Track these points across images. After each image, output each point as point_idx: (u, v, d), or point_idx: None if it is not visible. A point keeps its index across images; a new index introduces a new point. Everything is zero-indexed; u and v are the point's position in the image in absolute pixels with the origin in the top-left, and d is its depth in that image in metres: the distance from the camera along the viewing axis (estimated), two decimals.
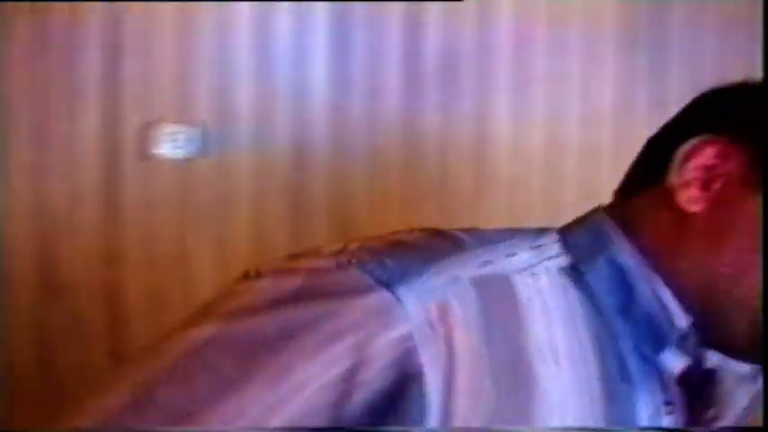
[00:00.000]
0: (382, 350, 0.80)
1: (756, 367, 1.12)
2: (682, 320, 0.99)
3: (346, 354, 0.79)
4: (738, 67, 1.75)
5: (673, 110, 1.08)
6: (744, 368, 1.08)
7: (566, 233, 1.02)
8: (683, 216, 1.00)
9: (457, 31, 1.69)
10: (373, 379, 0.79)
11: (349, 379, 0.79)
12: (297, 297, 0.83)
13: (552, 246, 1.01)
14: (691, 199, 0.99)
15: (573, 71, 1.73)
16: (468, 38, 1.70)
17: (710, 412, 1.08)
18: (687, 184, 0.99)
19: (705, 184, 0.99)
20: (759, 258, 0.94)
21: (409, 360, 0.81)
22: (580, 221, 1.04)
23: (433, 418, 0.82)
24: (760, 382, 1.13)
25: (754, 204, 0.96)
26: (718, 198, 0.98)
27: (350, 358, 0.79)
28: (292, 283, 0.84)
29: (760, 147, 0.95)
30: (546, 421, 0.89)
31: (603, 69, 1.74)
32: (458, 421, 0.82)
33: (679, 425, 1.03)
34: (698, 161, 0.99)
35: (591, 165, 1.73)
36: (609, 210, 1.04)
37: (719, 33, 1.81)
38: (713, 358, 1.07)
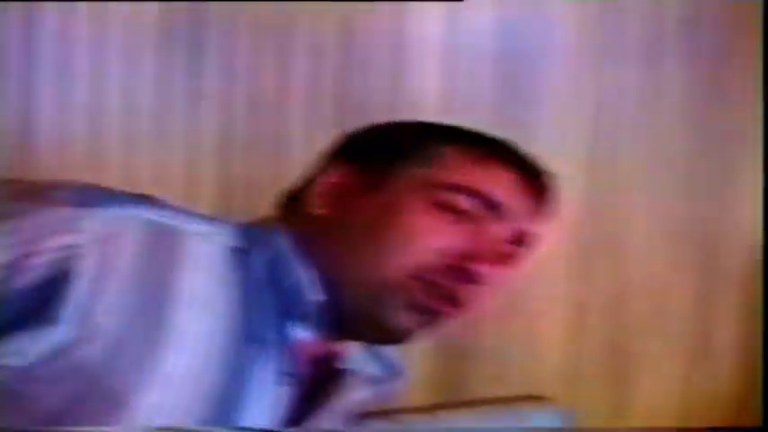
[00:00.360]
0: (52, 248, 1.02)
1: (389, 373, 1.39)
2: (314, 296, 1.20)
3: (22, 244, 1.02)
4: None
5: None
6: (375, 370, 1.33)
7: (243, 225, 1.24)
8: (315, 217, 1.26)
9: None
10: (36, 267, 1.01)
11: (16, 264, 1.01)
12: (23, 198, 1.07)
13: (227, 229, 1.21)
14: (318, 204, 1.27)
15: (113, 67, 1.81)
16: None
17: (324, 401, 1.28)
18: (318, 194, 1.28)
19: (329, 194, 1.28)
20: (373, 249, 1.20)
21: (69, 263, 1.02)
22: (258, 220, 1.29)
23: (69, 316, 1.02)
24: (385, 388, 1.36)
25: (366, 204, 1.23)
26: (336, 203, 1.26)
27: (24, 248, 1.02)
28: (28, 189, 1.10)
29: (365, 166, 1.26)
30: (168, 357, 1.07)
31: (143, 65, 1.83)
32: (90, 326, 1.02)
33: (290, 397, 1.23)
34: (326, 179, 1.28)
35: (131, 155, 1.82)
36: (279, 211, 1.32)
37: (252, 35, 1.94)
38: (350, 357, 1.31)
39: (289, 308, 1.19)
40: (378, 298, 1.19)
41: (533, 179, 1.27)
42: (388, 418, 2.00)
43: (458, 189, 1.20)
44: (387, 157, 1.25)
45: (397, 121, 1.36)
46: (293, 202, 1.32)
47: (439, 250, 1.18)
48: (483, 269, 1.18)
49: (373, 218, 1.21)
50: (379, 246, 1.19)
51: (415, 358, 2.13)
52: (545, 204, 1.29)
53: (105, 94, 1.78)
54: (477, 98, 2.17)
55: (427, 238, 1.19)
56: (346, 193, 1.25)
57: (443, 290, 1.19)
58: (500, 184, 1.23)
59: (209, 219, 1.21)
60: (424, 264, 1.18)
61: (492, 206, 1.22)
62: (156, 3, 1.80)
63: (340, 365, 1.33)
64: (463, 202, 1.20)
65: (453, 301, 1.20)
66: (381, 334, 1.24)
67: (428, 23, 2.10)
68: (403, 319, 1.20)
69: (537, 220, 1.27)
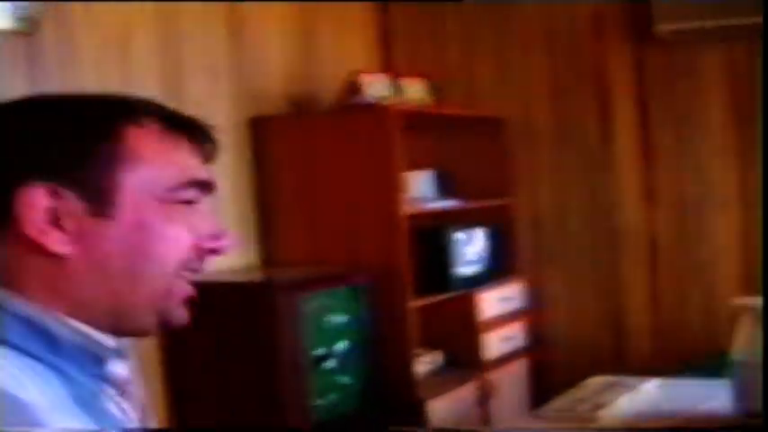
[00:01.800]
0: None
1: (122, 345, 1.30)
2: (109, 341, 1.20)
3: None
4: None
5: None
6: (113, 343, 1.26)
7: None
8: (58, 259, 1.15)
9: None
10: None
11: None
12: None
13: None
14: (57, 242, 1.14)
15: None
16: None
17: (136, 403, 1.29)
18: (45, 231, 1.14)
19: (59, 226, 1.14)
20: (133, 268, 1.18)
21: None
22: None
23: None
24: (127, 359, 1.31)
25: (108, 227, 1.17)
26: (77, 234, 1.16)
27: None
28: None
29: (77, 183, 1.15)
30: None
31: None
32: None
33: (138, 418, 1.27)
34: (38, 206, 1.13)
35: None
36: None
37: None
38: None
39: (91, 360, 1.18)
40: (160, 312, 1.23)
41: (204, 142, 1.29)
42: None
43: (185, 185, 1.22)
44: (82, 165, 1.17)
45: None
46: None
47: (191, 244, 1.23)
48: (225, 239, 1.26)
49: (129, 247, 1.18)
50: (145, 271, 1.19)
51: None
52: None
53: None
54: None
55: (181, 242, 1.22)
56: (77, 218, 1.16)
57: (198, 270, 1.26)
58: (197, 163, 1.26)
59: None
60: (185, 260, 1.23)
61: (205, 186, 1.27)
62: None
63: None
64: (189, 193, 1.24)
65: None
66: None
67: None
68: (182, 311, 1.25)
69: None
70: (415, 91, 5.04)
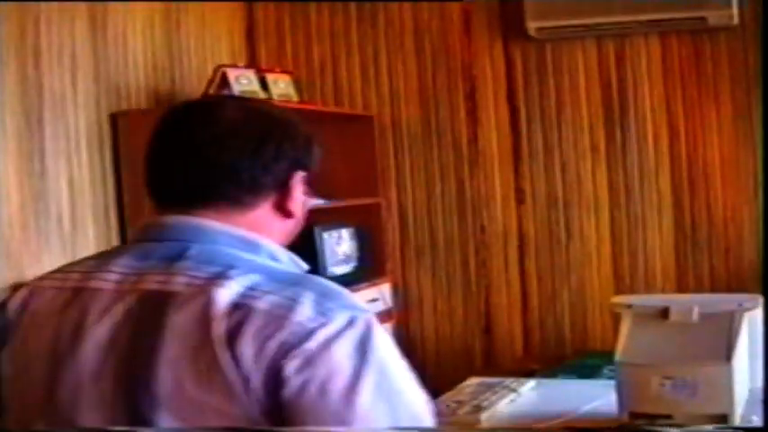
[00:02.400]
0: None
1: None
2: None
3: None
4: None
5: None
6: None
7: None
8: (288, 219, 1.75)
9: None
10: None
11: None
12: None
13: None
14: (297, 210, 1.75)
15: None
16: None
17: None
18: (297, 202, 1.74)
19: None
20: None
21: None
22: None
23: None
24: None
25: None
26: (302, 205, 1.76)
27: None
28: None
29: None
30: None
31: None
32: None
33: None
34: (300, 186, 1.74)
35: None
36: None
37: None
38: None
39: None
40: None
41: None
42: None
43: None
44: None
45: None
46: (254, 209, 1.74)
47: None
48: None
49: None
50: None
51: None
52: None
53: None
54: None
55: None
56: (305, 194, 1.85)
57: None
58: None
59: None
60: None
61: None
62: None
63: None
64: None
65: None
66: None
67: None
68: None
69: None
70: (281, 87, 4.91)
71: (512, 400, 3.31)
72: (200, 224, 1.61)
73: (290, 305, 1.45)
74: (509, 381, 3.55)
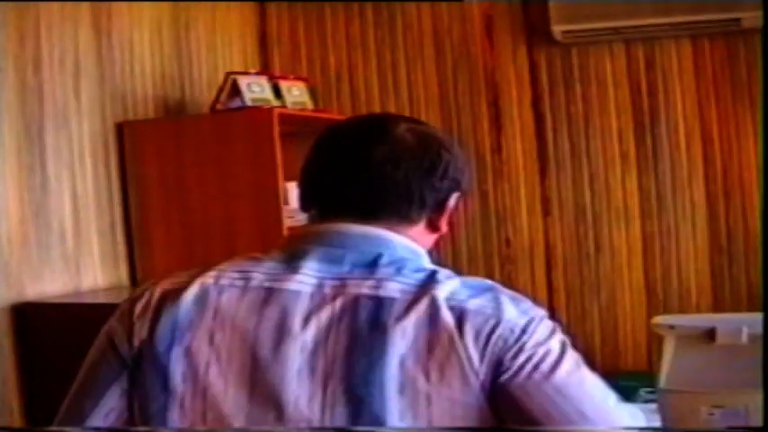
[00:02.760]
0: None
1: None
2: None
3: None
4: None
5: None
6: None
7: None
8: (434, 235, 1.87)
9: None
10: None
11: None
12: None
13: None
14: (445, 227, 1.88)
15: None
16: None
17: None
18: (447, 220, 1.87)
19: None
20: None
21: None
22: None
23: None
24: None
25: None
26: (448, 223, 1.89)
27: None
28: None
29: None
30: None
31: None
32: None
33: None
34: (452, 206, 1.87)
35: None
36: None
37: None
38: None
39: None
40: None
41: None
42: None
43: None
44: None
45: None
46: (414, 224, 1.88)
47: None
48: None
49: None
50: None
51: None
52: None
53: None
54: None
55: None
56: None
57: None
58: None
59: None
60: None
61: None
62: None
63: None
64: None
65: None
66: None
67: None
68: None
69: None
70: (295, 94, 4.70)
71: None
72: (385, 235, 1.78)
73: (496, 306, 1.68)
74: None
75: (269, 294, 1.70)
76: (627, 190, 5.10)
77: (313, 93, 5.06)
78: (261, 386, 1.65)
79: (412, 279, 1.71)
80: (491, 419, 1.64)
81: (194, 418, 1.65)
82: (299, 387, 1.63)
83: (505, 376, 1.64)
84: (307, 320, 1.67)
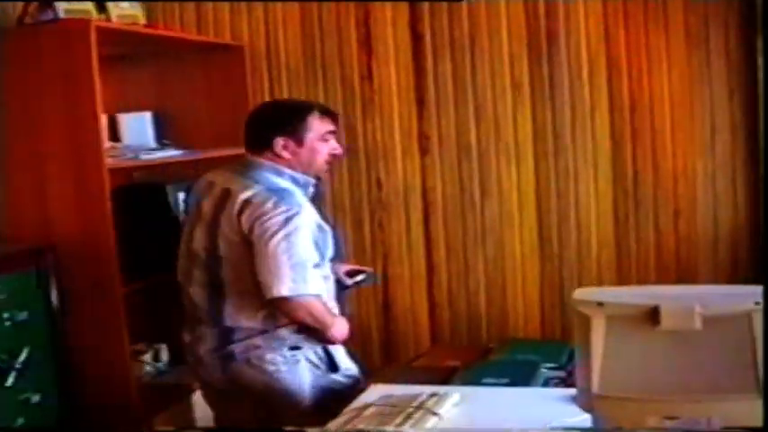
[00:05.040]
0: None
1: None
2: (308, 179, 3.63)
3: None
4: None
5: None
6: None
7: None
8: (281, 158, 3.42)
9: None
10: None
11: None
12: None
13: None
14: (283, 153, 3.42)
15: None
16: None
17: None
18: (282, 150, 3.42)
19: (285, 148, 3.43)
20: None
21: None
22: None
23: None
24: None
25: (302, 148, 3.46)
26: (291, 152, 3.43)
27: None
28: None
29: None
30: None
31: None
32: None
33: None
34: (280, 144, 3.41)
35: None
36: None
37: None
38: None
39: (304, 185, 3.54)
40: (317, 172, 3.55)
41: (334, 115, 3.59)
42: None
43: (327, 132, 3.47)
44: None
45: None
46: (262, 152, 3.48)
47: (328, 152, 3.49)
48: (339, 150, 3.54)
49: (309, 154, 3.47)
50: (312, 162, 3.49)
51: None
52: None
53: None
54: None
55: (324, 152, 3.46)
56: (291, 148, 3.47)
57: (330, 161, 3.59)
58: (331, 122, 3.52)
59: None
60: (326, 157, 3.49)
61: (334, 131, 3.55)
62: None
63: None
64: (328, 135, 3.49)
65: None
66: None
67: None
68: (323, 171, 3.64)
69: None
70: (123, 7, 4.07)
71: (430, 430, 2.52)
72: (252, 159, 3.46)
73: (264, 202, 3.24)
74: (423, 393, 2.85)
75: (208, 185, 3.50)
76: (519, 125, 4.61)
77: (149, 7, 4.52)
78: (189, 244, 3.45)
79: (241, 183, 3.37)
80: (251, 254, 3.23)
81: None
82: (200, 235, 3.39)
83: (251, 235, 3.23)
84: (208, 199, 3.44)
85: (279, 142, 3.35)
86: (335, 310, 3.39)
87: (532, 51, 4.52)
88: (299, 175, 3.37)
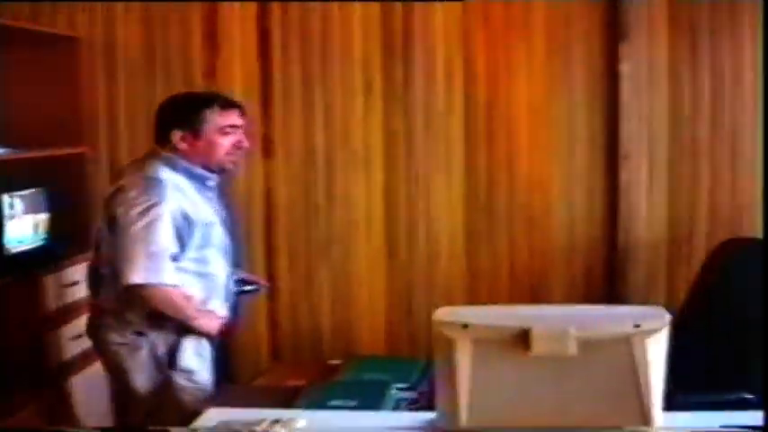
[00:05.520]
0: None
1: None
2: (206, 174, 3.53)
3: None
4: None
5: None
6: None
7: None
8: (178, 149, 3.39)
9: None
10: None
11: None
12: None
13: None
14: (180, 144, 3.38)
15: None
16: None
17: None
18: (179, 143, 3.39)
19: (184, 140, 3.38)
20: None
21: None
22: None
23: None
24: None
25: (199, 141, 3.41)
26: (188, 144, 3.39)
27: None
28: None
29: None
30: None
31: None
32: None
33: None
34: (178, 137, 3.38)
35: None
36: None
37: None
38: None
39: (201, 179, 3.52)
40: (219, 166, 3.42)
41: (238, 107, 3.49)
42: None
43: (228, 126, 3.39)
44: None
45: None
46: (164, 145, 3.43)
47: (230, 145, 3.41)
48: (244, 143, 3.44)
49: (207, 146, 3.39)
50: (212, 154, 3.40)
51: None
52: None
53: None
54: None
55: (225, 145, 3.38)
56: (189, 141, 3.40)
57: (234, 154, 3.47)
58: (235, 115, 3.44)
59: None
60: (228, 151, 3.41)
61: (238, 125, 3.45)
62: None
63: None
64: (230, 128, 3.41)
65: None
66: None
67: None
68: (229, 164, 3.47)
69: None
70: None
71: None
72: (153, 151, 3.45)
73: (129, 191, 3.28)
74: (265, 418, 2.59)
75: None
76: (369, 128, 4.51)
77: None
78: None
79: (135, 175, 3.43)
80: None
81: None
82: None
83: (114, 222, 3.31)
84: None
85: (176, 135, 3.37)
86: (216, 306, 3.45)
87: (386, 49, 4.41)
88: (196, 168, 3.40)
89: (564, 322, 2.01)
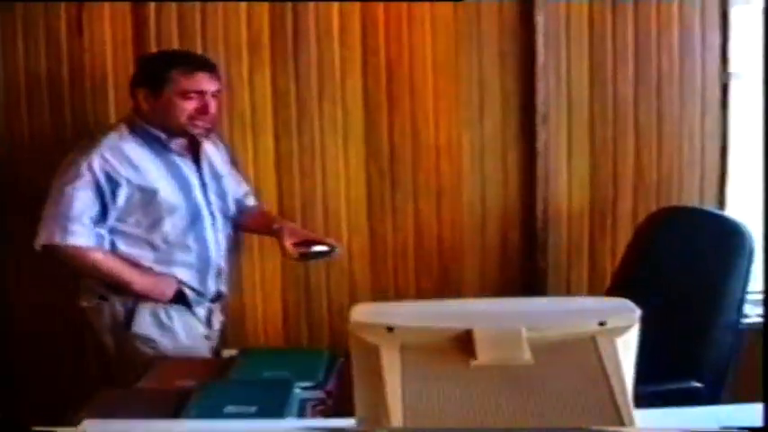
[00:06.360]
0: None
1: None
2: (163, 135, 3.57)
3: None
4: None
5: None
6: None
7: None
8: (143, 109, 3.47)
9: None
10: None
11: None
12: None
13: None
14: (144, 104, 3.45)
15: None
16: None
17: None
18: (142, 102, 3.46)
19: (145, 101, 3.46)
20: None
21: None
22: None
23: None
24: None
25: (160, 100, 3.45)
26: (150, 103, 3.45)
27: None
28: None
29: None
30: None
31: None
32: None
33: None
34: (141, 95, 3.45)
35: None
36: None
37: None
38: None
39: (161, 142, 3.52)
40: (181, 129, 3.45)
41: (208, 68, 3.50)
42: None
43: (192, 90, 3.40)
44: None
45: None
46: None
47: (193, 109, 3.41)
48: (211, 108, 3.45)
49: (165, 107, 3.42)
50: (170, 117, 3.42)
51: None
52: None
53: None
54: None
55: (186, 108, 3.40)
56: (150, 100, 3.45)
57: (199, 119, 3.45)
58: (205, 77, 3.45)
59: None
60: (190, 115, 3.40)
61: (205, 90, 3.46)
62: None
63: None
64: (196, 92, 3.42)
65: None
66: None
67: None
68: (192, 129, 3.46)
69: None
70: None
71: None
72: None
73: (69, 154, 3.40)
74: None
75: None
76: (256, 89, 4.14)
77: None
78: None
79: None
80: None
81: None
82: None
83: None
84: None
85: (140, 93, 3.43)
86: (182, 274, 3.51)
87: (275, 5, 4.03)
88: (155, 130, 3.44)
89: (512, 321, 1.67)
